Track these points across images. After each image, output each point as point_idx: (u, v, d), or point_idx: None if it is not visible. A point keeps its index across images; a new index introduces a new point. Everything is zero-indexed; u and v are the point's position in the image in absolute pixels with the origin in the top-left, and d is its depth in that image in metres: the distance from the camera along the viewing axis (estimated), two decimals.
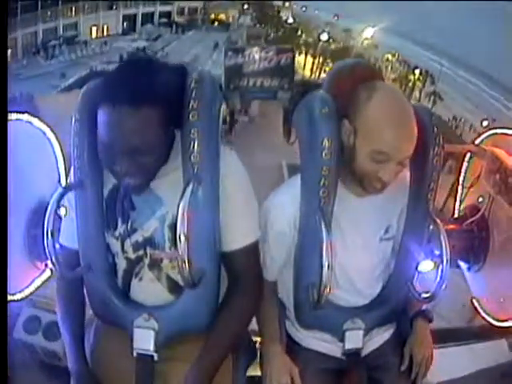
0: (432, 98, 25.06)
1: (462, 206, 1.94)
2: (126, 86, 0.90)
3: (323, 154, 1.07)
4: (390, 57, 27.67)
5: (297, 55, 28.81)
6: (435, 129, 1.11)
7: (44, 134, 1.46)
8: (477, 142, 1.91)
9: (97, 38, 27.54)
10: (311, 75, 27.39)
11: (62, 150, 1.50)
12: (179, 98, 0.98)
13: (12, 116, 1.32)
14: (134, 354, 1.07)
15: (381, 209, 1.16)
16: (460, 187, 1.94)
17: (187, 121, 0.98)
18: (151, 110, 0.91)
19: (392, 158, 1.03)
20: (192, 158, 0.98)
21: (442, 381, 1.73)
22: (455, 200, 1.98)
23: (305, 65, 27.96)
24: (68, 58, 23.77)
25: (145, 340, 1.06)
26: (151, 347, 1.06)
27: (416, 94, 26.34)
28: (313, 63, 27.83)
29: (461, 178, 1.94)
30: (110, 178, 1.04)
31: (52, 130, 1.49)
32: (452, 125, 21.61)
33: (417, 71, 25.96)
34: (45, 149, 1.47)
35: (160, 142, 0.95)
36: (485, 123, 21.84)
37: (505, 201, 1.68)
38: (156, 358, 1.07)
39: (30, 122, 1.40)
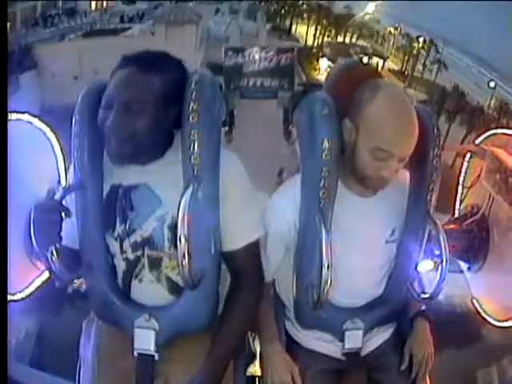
0: (437, 66, 24.81)
1: (461, 206, 1.94)
2: (139, 57, 1.00)
3: (323, 155, 1.07)
4: (392, 30, 27.52)
5: (299, 23, 28.02)
6: (435, 130, 1.12)
7: (44, 133, 1.46)
8: (477, 141, 1.91)
9: (96, 9, 27.25)
10: (314, 42, 27.33)
11: (62, 150, 1.50)
12: (179, 90, 1.00)
13: (12, 116, 1.32)
14: (135, 354, 1.08)
15: (386, 211, 1.16)
16: (460, 187, 1.94)
17: (187, 122, 0.99)
18: (155, 79, 0.97)
19: (393, 155, 1.04)
20: (192, 159, 0.99)
21: None
22: (455, 200, 1.97)
23: (307, 33, 27.91)
24: (67, 25, 23.65)
25: (145, 340, 1.06)
26: (152, 347, 1.06)
27: (420, 65, 26.06)
28: (315, 29, 27.76)
29: (461, 178, 1.94)
30: (109, 178, 1.04)
31: (52, 130, 1.49)
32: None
33: (421, 39, 25.80)
34: (45, 149, 1.47)
35: (152, 113, 0.97)
36: (492, 84, 21.71)
37: (505, 201, 1.68)
38: (157, 357, 1.07)
39: (30, 122, 1.40)
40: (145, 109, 0.97)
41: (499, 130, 1.82)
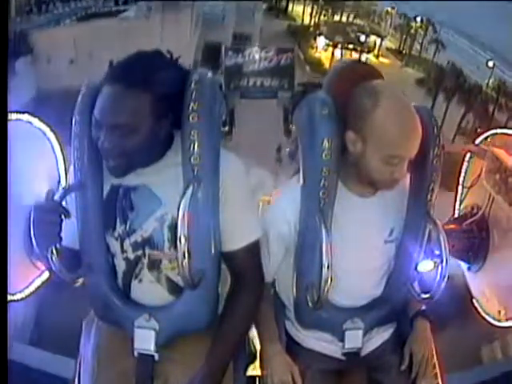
0: (434, 45, 24.95)
1: (461, 206, 1.94)
2: (127, 70, 0.95)
3: (323, 155, 1.07)
4: (389, 9, 27.57)
5: (295, 2, 27.98)
6: (435, 130, 1.11)
7: (44, 133, 1.46)
8: (477, 141, 1.91)
9: None
10: (311, 20, 27.29)
11: (61, 150, 1.50)
12: (175, 92, 0.99)
13: (12, 116, 1.32)
14: (135, 354, 1.08)
15: (385, 211, 1.16)
16: (460, 187, 1.94)
17: (187, 122, 0.98)
18: (143, 95, 0.94)
19: (405, 157, 1.05)
20: (192, 159, 0.98)
21: None
22: (455, 200, 1.97)
23: (304, 12, 27.88)
24: (62, 11, 23.29)
25: (145, 340, 1.06)
26: (152, 347, 1.06)
27: (418, 44, 26.15)
28: (312, 8, 27.70)
29: (461, 178, 1.94)
30: (109, 178, 1.04)
31: (52, 130, 1.49)
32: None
33: (418, 19, 25.85)
34: (45, 149, 1.47)
35: (145, 129, 0.96)
36: (490, 63, 21.66)
37: (505, 201, 1.68)
38: (157, 358, 1.07)
39: (30, 122, 1.40)
40: (135, 128, 0.95)
41: (499, 130, 1.82)
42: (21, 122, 1.36)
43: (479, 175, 1.82)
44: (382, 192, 1.14)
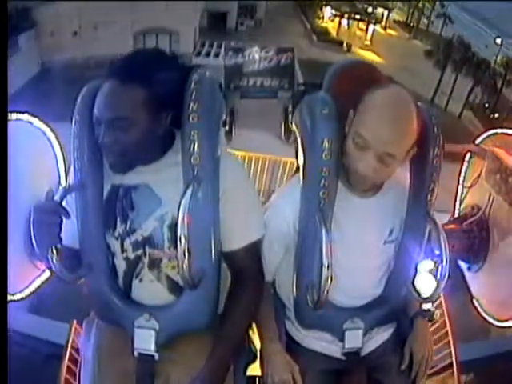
0: (442, 19, 24.89)
1: (462, 206, 1.94)
2: (125, 66, 0.97)
3: (323, 155, 1.07)
4: None
5: None
6: (436, 129, 1.11)
7: (44, 133, 1.46)
8: (477, 141, 1.90)
9: None
10: None
11: (61, 150, 1.49)
12: (174, 90, 0.99)
13: (12, 116, 1.31)
14: (135, 354, 1.08)
15: (384, 211, 1.16)
16: (460, 187, 1.94)
17: (187, 122, 0.99)
18: (139, 90, 0.94)
19: (369, 144, 1.01)
20: (192, 159, 0.99)
21: None
22: (455, 200, 1.97)
23: None
24: None
25: (145, 340, 1.07)
26: (152, 347, 1.07)
27: (425, 18, 26.13)
28: None
29: (461, 178, 1.94)
30: (109, 178, 1.04)
31: (52, 130, 1.49)
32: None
33: None
34: (45, 149, 1.46)
35: (142, 124, 0.96)
36: (498, 40, 21.63)
37: (505, 201, 1.67)
38: (157, 357, 1.07)
39: (30, 122, 1.39)
40: (132, 123, 0.96)
41: (499, 130, 1.82)
42: (21, 122, 1.36)
43: (479, 175, 1.82)
44: (381, 193, 1.15)
